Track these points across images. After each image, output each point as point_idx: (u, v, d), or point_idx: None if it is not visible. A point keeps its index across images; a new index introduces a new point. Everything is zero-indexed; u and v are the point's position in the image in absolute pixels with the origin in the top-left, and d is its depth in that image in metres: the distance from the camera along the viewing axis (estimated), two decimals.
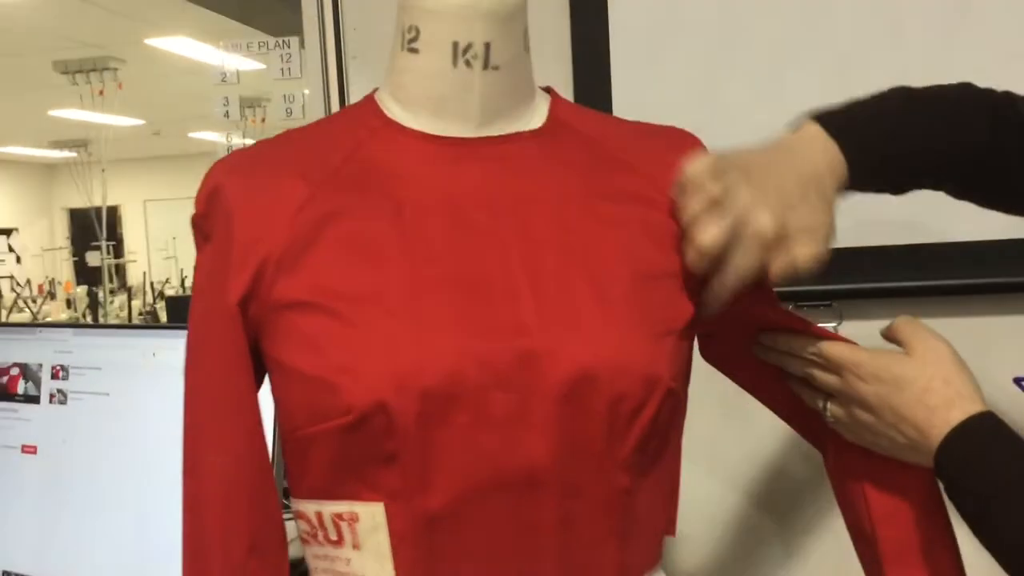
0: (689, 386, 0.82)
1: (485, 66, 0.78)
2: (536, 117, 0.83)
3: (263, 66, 1.57)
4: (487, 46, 0.77)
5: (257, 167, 0.78)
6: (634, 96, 1.44)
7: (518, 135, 0.80)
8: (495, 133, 0.80)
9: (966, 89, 0.89)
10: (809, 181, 0.78)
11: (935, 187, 0.91)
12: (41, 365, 1.27)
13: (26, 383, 1.27)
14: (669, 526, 0.83)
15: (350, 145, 0.79)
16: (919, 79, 0.89)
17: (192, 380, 0.78)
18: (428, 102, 0.79)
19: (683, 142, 0.85)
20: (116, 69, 6.19)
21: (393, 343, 0.69)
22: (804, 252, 0.75)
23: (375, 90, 0.85)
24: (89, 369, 1.22)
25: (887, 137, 0.84)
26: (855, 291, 1.39)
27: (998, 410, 1.43)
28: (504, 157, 0.79)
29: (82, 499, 1.21)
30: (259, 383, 0.78)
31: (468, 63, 0.78)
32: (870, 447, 0.84)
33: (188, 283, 7.35)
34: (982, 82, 0.90)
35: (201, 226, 0.79)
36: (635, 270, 0.76)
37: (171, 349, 1.18)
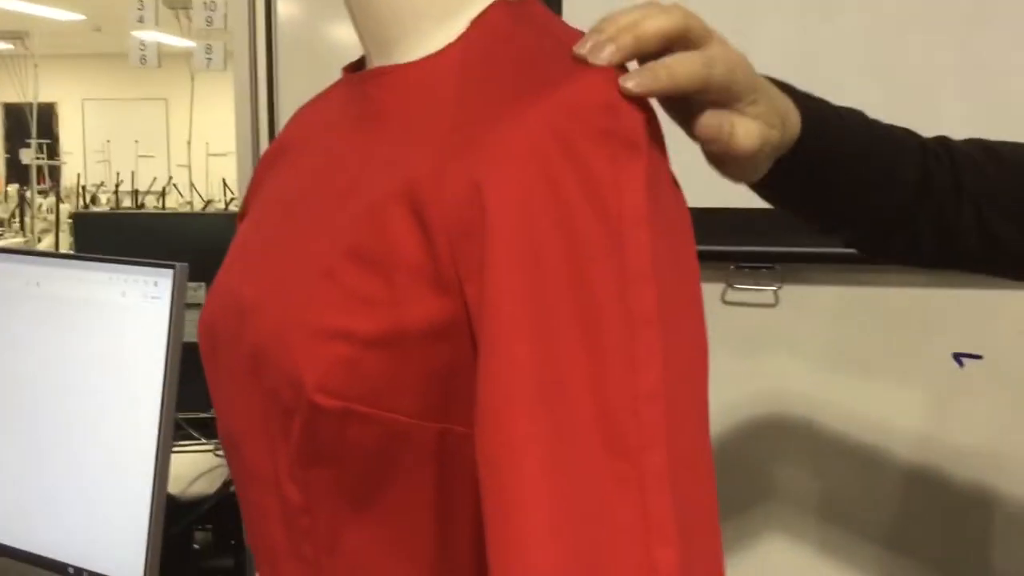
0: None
1: None
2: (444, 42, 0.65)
3: None
4: None
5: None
6: None
7: (382, 70, 0.66)
8: (382, 64, 0.67)
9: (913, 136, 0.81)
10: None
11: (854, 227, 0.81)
12: None
13: None
14: None
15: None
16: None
17: None
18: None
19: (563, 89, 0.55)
20: None
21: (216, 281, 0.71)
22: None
23: None
24: None
25: (844, 134, 0.75)
26: (798, 255, 1.33)
27: (937, 386, 1.41)
28: (357, 99, 0.68)
29: None
30: None
31: None
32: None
33: (123, 188, 7.13)
34: None
35: None
36: (357, 248, 0.58)
37: (58, 279, 1.08)
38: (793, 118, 0.70)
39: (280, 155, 0.75)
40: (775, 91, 0.68)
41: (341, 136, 0.67)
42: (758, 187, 0.75)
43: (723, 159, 0.67)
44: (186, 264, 1.03)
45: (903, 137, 0.80)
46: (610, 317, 0.50)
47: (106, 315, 1.07)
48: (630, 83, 0.54)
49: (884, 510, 1.44)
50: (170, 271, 1.02)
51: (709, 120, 0.62)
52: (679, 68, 0.58)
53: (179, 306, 1.02)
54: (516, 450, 0.49)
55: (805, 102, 0.72)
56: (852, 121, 0.77)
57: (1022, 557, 1.42)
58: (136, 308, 1.04)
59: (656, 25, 0.58)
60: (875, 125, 0.79)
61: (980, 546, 1.42)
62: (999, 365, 1.38)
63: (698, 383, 0.55)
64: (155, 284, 1.02)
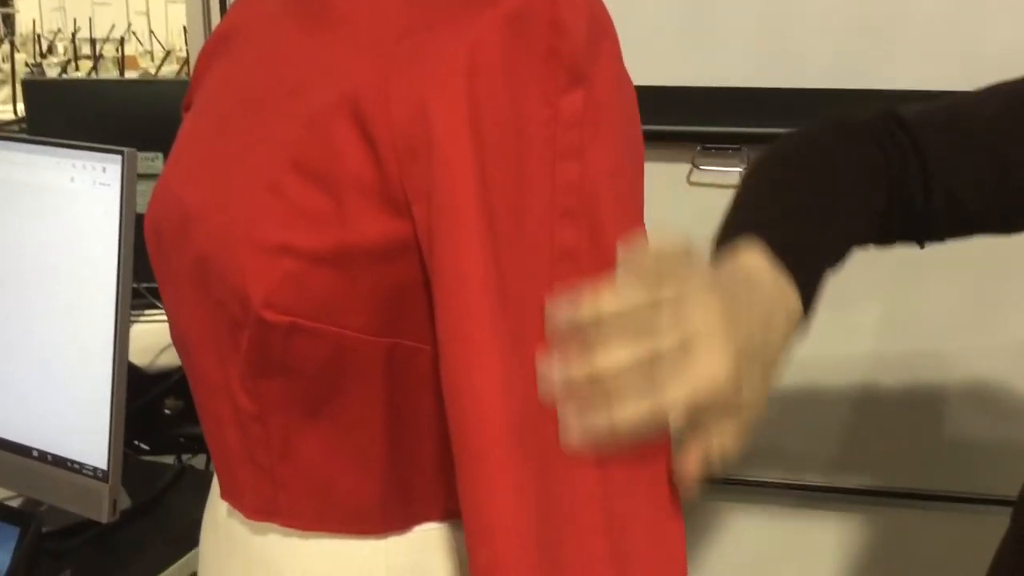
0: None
1: None
2: None
3: None
4: None
5: None
6: None
7: None
8: None
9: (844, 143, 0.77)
10: (766, 331, 0.59)
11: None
12: None
13: None
14: (387, 518, 0.65)
15: None
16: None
17: None
18: None
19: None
20: None
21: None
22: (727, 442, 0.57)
23: None
24: None
25: (830, 256, 0.71)
26: (764, 135, 1.31)
27: (900, 266, 1.41)
28: None
29: None
30: None
31: None
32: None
33: (80, 36, 6.86)
34: None
35: None
36: (302, 161, 0.57)
37: (4, 163, 1.05)
38: (794, 321, 0.65)
39: (223, 43, 0.71)
40: (775, 331, 0.61)
41: (284, 30, 0.64)
42: None
43: None
44: (134, 149, 0.99)
45: (865, 177, 0.76)
46: (542, 241, 0.53)
47: (56, 201, 1.04)
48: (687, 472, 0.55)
49: (850, 382, 1.47)
50: (118, 157, 0.99)
51: (690, 461, 0.56)
52: (730, 444, 0.56)
53: (130, 192, 0.99)
54: (477, 363, 0.52)
55: (803, 271, 0.66)
56: (833, 228, 0.73)
57: (976, 425, 1.47)
58: (86, 194, 1.01)
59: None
60: (843, 207, 0.74)
61: (936, 420, 1.47)
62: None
63: None
64: (104, 171, 0.99)
